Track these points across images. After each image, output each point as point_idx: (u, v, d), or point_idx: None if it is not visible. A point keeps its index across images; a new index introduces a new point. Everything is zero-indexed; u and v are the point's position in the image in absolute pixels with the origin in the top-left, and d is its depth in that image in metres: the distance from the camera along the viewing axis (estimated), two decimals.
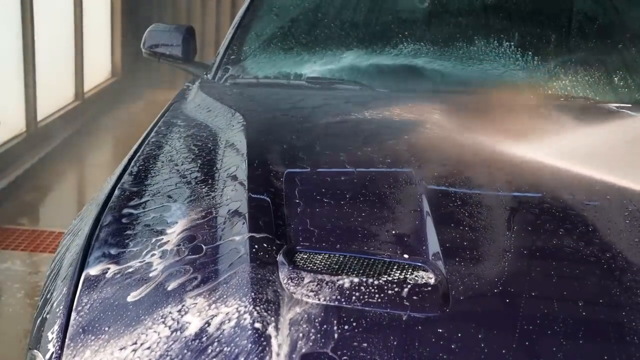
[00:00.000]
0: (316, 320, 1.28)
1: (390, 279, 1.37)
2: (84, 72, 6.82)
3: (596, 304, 1.32)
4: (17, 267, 3.82)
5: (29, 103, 5.54)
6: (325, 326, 1.26)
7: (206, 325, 1.27)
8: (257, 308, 1.30)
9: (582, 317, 1.29)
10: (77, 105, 6.68)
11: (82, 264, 1.47)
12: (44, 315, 1.40)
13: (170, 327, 1.27)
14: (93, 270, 1.44)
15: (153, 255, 1.46)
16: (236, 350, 1.23)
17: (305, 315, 1.29)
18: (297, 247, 1.46)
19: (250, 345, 1.24)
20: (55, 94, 6.23)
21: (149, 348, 1.25)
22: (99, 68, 7.52)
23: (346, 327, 1.26)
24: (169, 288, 1.36)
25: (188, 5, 8.00)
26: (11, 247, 4.01)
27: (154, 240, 1.52)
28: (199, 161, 1.94)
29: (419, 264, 1.41)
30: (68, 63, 6.61)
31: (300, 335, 1.25)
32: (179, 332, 1.27)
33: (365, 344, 1.23)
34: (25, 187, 5.01)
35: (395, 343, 1.23)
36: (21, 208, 4.72)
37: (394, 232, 1.53)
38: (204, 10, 7.97)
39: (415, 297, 1.33)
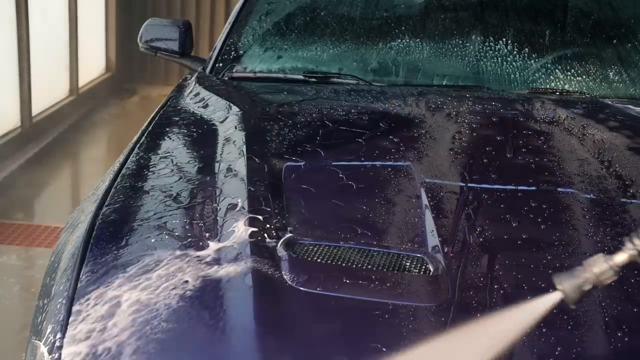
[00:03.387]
0: (316, 311, 1.28)
1: (389, 270, 1.38)
2: (79, 67, 6.80)
3: (595, 296, 1.33)
4: (12, 262, 3.81)
5: (23, 98, 5.52)
6: (324, 317, 1.27)
7: (206, 317, 1.28)
8: (257, 300, 1.30)
9: (582, 308, 1.30)
10: (72, 100, 6.67)
11: (83, 256, 1.47)
12: (45, 307, 1.41)
13: (170, 320, 1.28)
14: (93, 263, 1.45)
15: (152, 247, 1.46)
16: (236, 342, 1.24)
17: (305, 307, 1.29)
18: (297, 239, 1.47)
19: (250, 336, 1.25)
20: (50, 89, 6.21)
21: (148, 339, 1.25)
22: (94, 63, 7.50)
23: (345, 317, 1.27)
24: (168, 280, 1.36)
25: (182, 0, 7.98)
26: (6, 241, 4.00)
27: (153, 233, 1.52)
28: (198, 154, 1.94)
29: (419, 256, 1.42)
30: (63, 58, 6.59)
31: (300, 325, 1.26)
32: (179, 325, 1.27)
33: (364, 335, 1.24)
34: (20, 182, 5.00)
35: (394, 334, 1.23)
36: (16, 203, 4.71)
37: (393, 224, 1.54)
38: (199, 4, 7.95)
39: (414, 289, 1.34)
